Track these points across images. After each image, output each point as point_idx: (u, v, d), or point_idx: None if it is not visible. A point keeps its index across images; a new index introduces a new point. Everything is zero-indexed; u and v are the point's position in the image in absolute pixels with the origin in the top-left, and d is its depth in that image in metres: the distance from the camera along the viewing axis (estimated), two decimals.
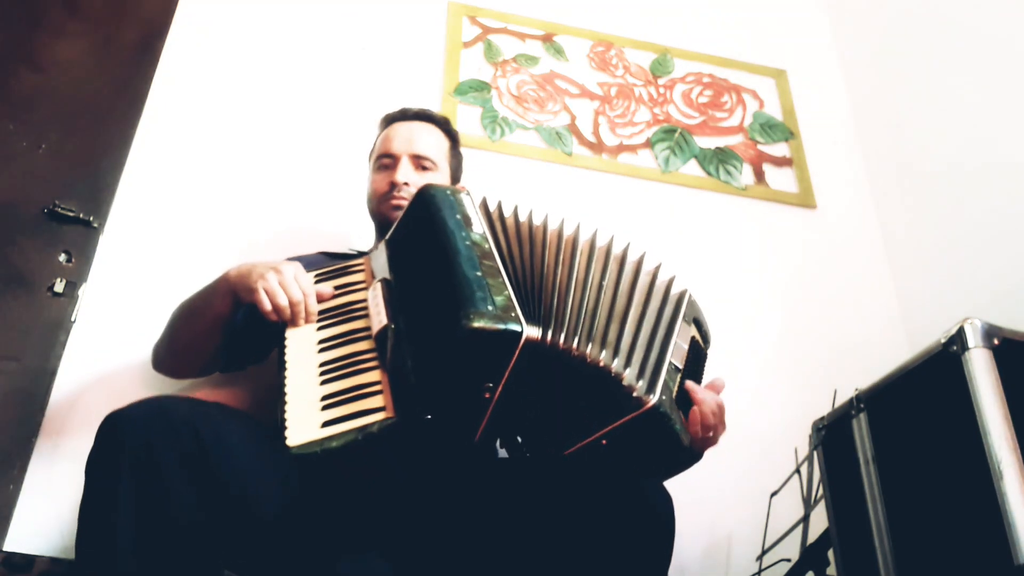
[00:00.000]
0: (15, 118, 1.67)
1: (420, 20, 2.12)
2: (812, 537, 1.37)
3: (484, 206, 1.19)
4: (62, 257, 1.59)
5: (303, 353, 1.11)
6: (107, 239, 1.63)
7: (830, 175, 2.19)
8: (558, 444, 1.06)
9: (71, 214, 1.61)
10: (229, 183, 1.76)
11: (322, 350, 1.11)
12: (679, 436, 1.06)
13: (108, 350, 1.51)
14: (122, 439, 0.95)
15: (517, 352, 0.97)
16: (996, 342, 1.07)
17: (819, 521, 1.35)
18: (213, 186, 1.75)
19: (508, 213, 1.21)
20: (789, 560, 1.42)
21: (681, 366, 1.12)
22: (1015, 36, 1.85)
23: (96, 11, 1.85)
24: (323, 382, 1.06)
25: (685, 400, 1.10)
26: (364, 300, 1.17)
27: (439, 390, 0.99)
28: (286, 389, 1.05)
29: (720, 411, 1.13)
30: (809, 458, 1.41)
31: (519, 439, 1.09)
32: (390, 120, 1.56)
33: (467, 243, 1.07)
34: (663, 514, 1.06)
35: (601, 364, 1.01)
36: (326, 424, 0.99)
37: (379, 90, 1.95)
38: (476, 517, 1.10)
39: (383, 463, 1.08)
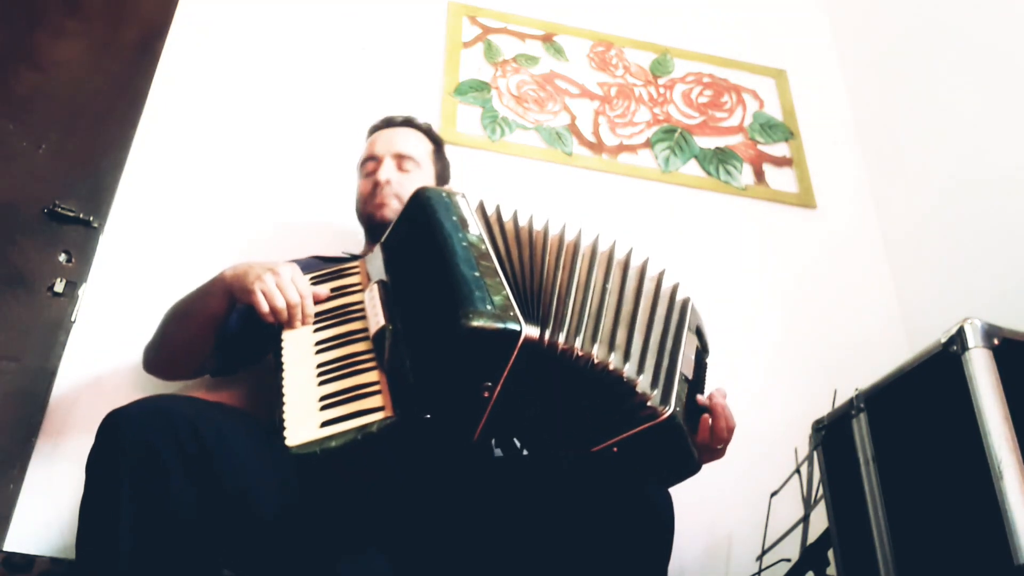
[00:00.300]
0: (15, 118, 1.67)
1: (420, 20, 2.12)
2: (812, 537, 1.37)
3: (481, 208, 1.19)
4: (62, 257, 1.59)
5: (300, 354, 1.11)
6: (107, 239, 1.63)
7: (830, 175, 2.19)
8: (559, 446, 1.06)
9: (71, 214, 1.61)
10: (229, 183, 1.76)
11: (319, 351, 1.11)
12: (691, 449, 1.07)
13: (108, 350, 1.51)
14: (122, 438, 0.95)
15: (516, 352, 0.97)
16: (996, 342, 1.07)
17: (819, 521, 1.35)
18: (213, 186, 1.75)
19: (507, 217, 1.21)
20: (789, 560, 1.42)
21: (690, 377, 1.12)
22: (1015, 37, 1.85)
23: (96, 11, 1.85)
24: (321, 383, 1.06)
25: (692, 412, 1.10)
26: (360, 302, 1.17)
27: (438, 390, 0.99)
28: (284, 390, 1.05)
29: (731, 428, 1.15)
30: (809, 458, 1.41)
31: (516, 440, 1.09)
32: (374, 129, 1.59)
33: (463, 244, 1.07)
34: (663, 513, 1.06)
35: (611, 368, 1.01)
36: (325, 424, 0.99)
37: (379, 90, 1.95)
38: (476, 516, 1.10)
39: (382, 463, 1.08)
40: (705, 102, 2.23)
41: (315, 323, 1.16)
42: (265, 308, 1.15)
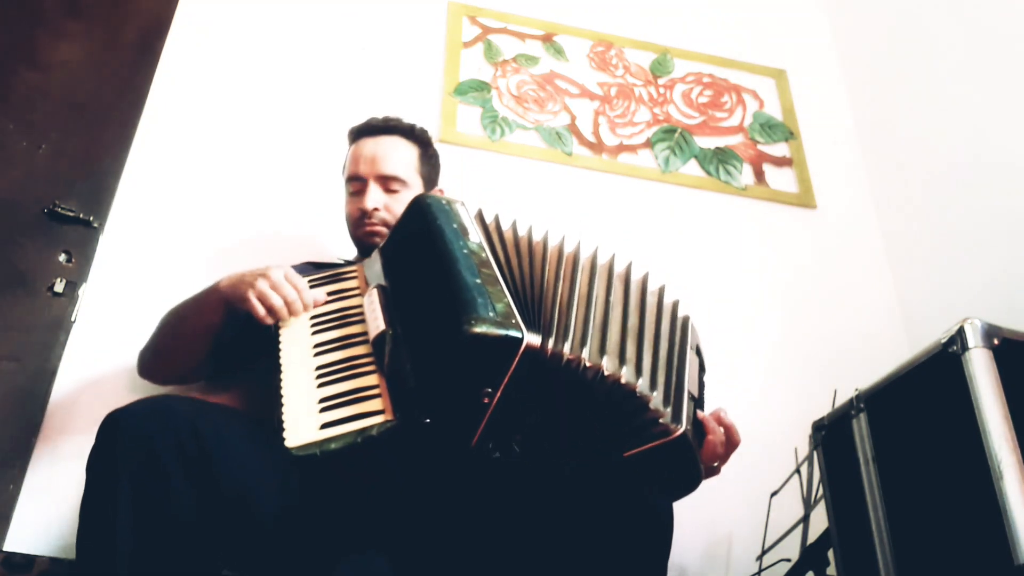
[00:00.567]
0: (15, 118, 1.67)
1: (420, 20, 2.12)
2: (812, 537, 1.37)
3: (479, 216, 1.19)
4: (62, 257, 1.59)
5: (299, 356, 1.11)
6: (107, 239, 1.63)
7: (830, 175, 2.19)
8: (560, 455, 1.05)
9: (71, 214, 1.61)
10: (229, 183, 1.76)
11: (318, 353, 1.11)
12: (698, 467, 1.07)
13: (108, 350, 1.51)
14: (122, 438, 0.95)
15: (516, 359, 0.96)
16: (996, 342, 1.07)
17: (819, 521, 1.35)
18: (213, 186, 1.75)
19: (506, 226, 1.21)
20: (789, 560, 1.42)
21: (696, 395, 1.12)
22: (1015, 36, 1.85)
23: (96, 11, 1.85)
24: (320, 385, 1.06)
25: (697, 431, 1.10)
26: (358, 306, 1.18)
27: (437, 395, 0.99)
28: (283, 391, 1.05)
29: (728, 444, 1.15)
30: (809, 458, 1.41)
31: (516, 447, 1.09)
32: (356, 135, 1.53)
33: (464, 251, 1.07)
34: (662, 514, 1.06)
35: (623, 381, 1.01)
36: (325, 426, 1.00)
37: (379, 90, 1.95)
38: (476, 518, 1.10)
39: (382, 465, 1.08)
40: (705, 102, 2.23)
41: (313, 326, 1.16)
42: (262, 311, 1.15)
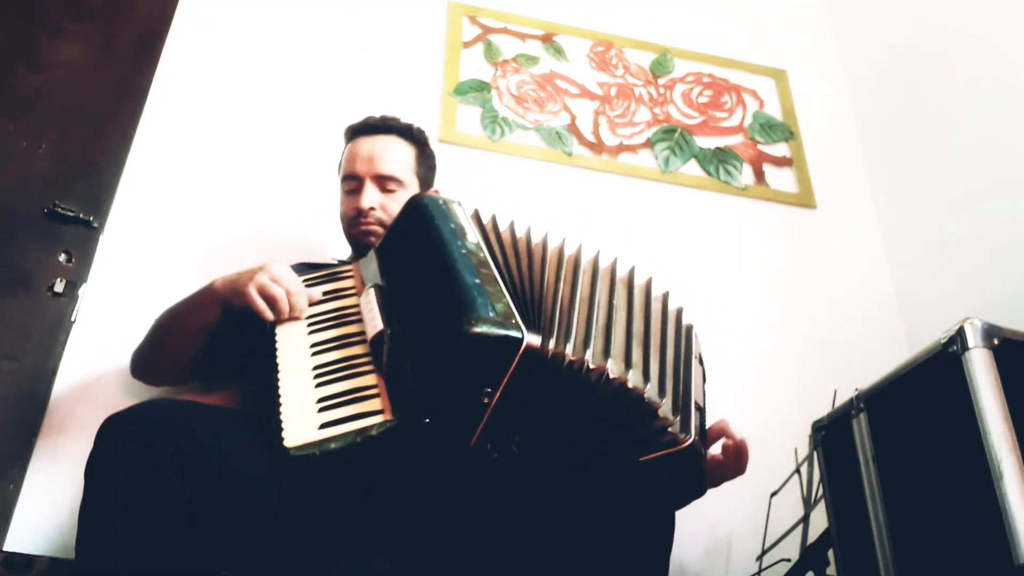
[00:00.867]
0: (15, 118, 1.67)
1: (420, 20, 2.12)
2: (812, 537, 1.37)
3: (476, 217, 1.19)
4: (62, 257, 1.59)
5: (296, 355, 1.11)
6: (107, 239, 1.63)
7: (830, 175, 2.19)
8: (560, 456, 1.05)
9: (71, 214, 1.61)
10: (229, 184, 1.76)
11: (315, 353, 1.11)
12: (705, 478, 1.06)
13: (108, 350, 1.51)
14: (121, 441, 0.95)
15: (516, 359, 0.96)
16: (996, 342, 1.07)
17: (819, 521, 1.35)
18: (213, 186, 1.75)
19: (503, 226, 1.20)
20: (789, 560, 1.42)
21: (702, 405, 1.12)
22: (1016, 36, 1.85)
23: (96, 11, 1.85)
24: (318, 384, 1.05)
25: (704, 442, 1.10)
26: (355, 306, 1.17)
27: (436, 394, 0.99)
28: (280, 391, 1.05)
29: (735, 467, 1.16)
30: (809, 458, 1.41)
31: (514, 447, 1.09)
32: (353, 133, 1.52)
33: (463, 251, 1.06)
34: (664, 514, 1.06)
35: (629, 385, 0.99)
36: (324, 426, 0.99)
37: (379, 90, 1.95)
38: (476, 518, 1.10)
39: (382, 465, 1.08)
40: (705, 102, 2.23)
41: (310, 325, 1.16)
42: (262, 304, 1.14)
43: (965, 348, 1.07)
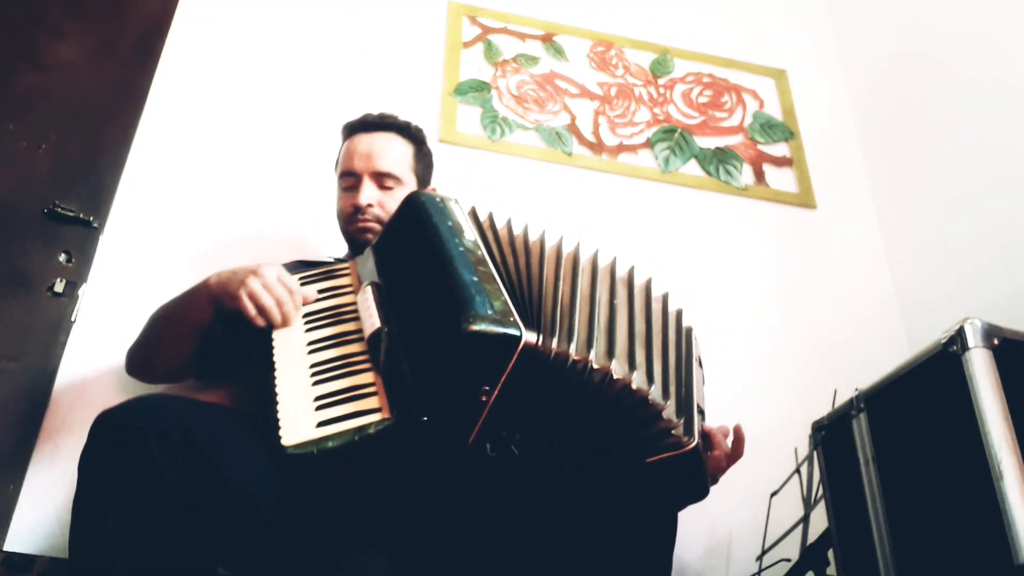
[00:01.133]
0: (15, 118, 1.67)
1: (420, 20, 2.12)
2: (812, 537, 1.37)
3: (473, 215, 1.19)
4: (62, 257, 1.59)
5: (293, 354, 1.10)
6: (107, 239, 1.63)
7: (830, 175, 2.19)
8: (560, 455, 1.05)
9: (71, 214, 1.61)
10: (230, 183, 1.76)
11: (312, 351, 1.10)
12: (707, 481, 1.07)
13: (108, 350, 1.51)
14: (114, 437, 0.95)
15: (514, 357, 0.96)
16: (996, 342, 1.07)
17: (819, 521, 1.35)
18: (213, 186, 1.75)
19: (500, 224, 1.20)
20: (789, 560, 1.42)
21: (703, 408, 1.12)
22: (1015, 36, 1.85)
23: (96, 11, 1.85)
24: (316, 383, 1.05)
25: (706, 444, 1.10)
26: (352, 304, 1.17)
27: (434, 392, 0.99)
28: (277, 389, 1.04)
29: (732, 456, 1.17)
30: (809, 458, 1.41)
31: (513, 446, 1.09)
32: (351, 130, 1.52)
33: (460, 249, 1.06)
34: (666, 513, 1.06)
35: (634, 386, 0.99)
36: (322, 424, 0.99)
37: (379, 90, 1.95)
38: (476, 517, 1.10)
39: (380, 464, 1.08)
40: (705, 102, 2.23)
41: (307, 323, 1.16)
42: (252, 311, 1.13)
43: (965, 348, 1.07)
